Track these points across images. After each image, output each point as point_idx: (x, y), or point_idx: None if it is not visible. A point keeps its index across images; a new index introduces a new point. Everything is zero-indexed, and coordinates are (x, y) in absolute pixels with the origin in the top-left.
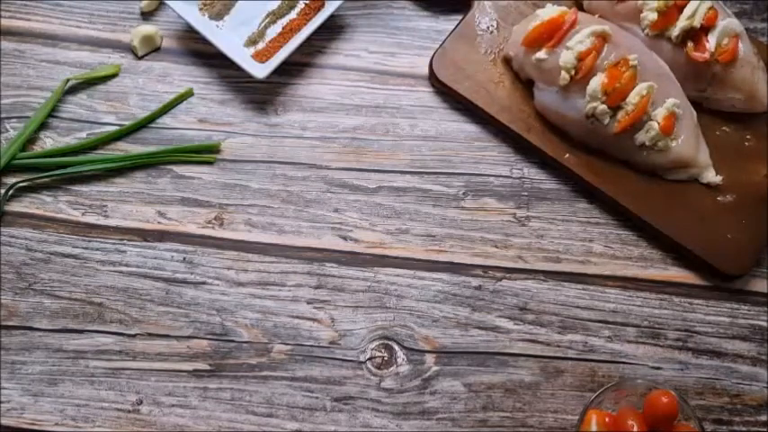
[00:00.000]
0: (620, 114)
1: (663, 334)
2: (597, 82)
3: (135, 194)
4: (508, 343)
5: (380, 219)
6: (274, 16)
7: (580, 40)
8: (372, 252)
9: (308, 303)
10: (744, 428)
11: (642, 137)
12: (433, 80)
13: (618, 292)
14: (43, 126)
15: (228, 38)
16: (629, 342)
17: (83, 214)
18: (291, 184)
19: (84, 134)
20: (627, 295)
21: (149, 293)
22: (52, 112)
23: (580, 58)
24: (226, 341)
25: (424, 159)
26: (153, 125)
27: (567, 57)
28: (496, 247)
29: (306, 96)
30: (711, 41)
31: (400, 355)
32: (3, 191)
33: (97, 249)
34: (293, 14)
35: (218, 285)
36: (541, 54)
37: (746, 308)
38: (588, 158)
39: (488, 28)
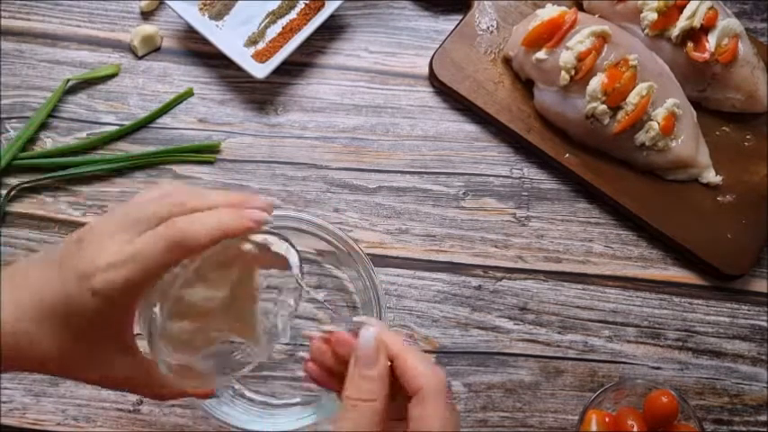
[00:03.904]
0: (620, 114)
1: (663, 334)
2: (597, 82)
3: (135, 194)
4: (508, 343)
5: (380, 219)
6: (274, 16)
7: (580, 40)
8: (372, 252)
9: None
10: (744, 428)
11: (642, 137)
12: (433, 80)
13: (618, 292)
14: (43, 126)
15: (228, 38)
16: (629, 342)
17: (83, 214)
18: (291, 184)
19: (84, 134)
20: (627, 295)
21: None
22: (52, 112)
23: (580, 58)
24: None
25: (424, 159)
26: (153, 125)
27: (566, 57)
28: (496, 247)
29: (306, 96)
30: (711, 41)
31: None
32: (3, 192)
33: None
34: (293, 14)
35: None
36: (541, 54)
37: (746, 308)
38: (588, 158)
39: (488, 28)
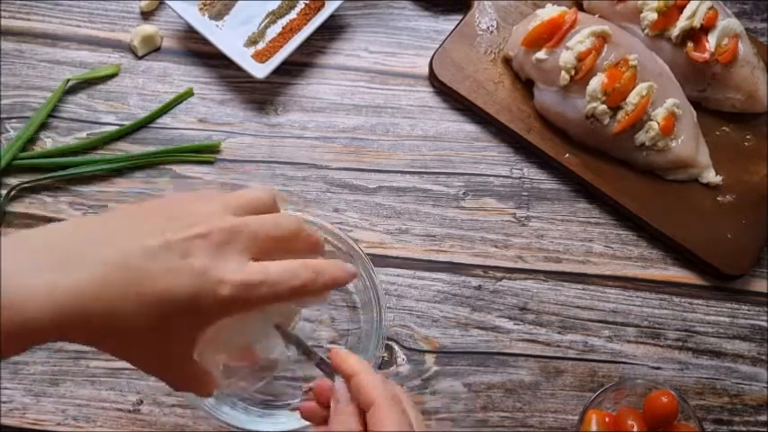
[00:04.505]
0: (620, 114)
1: (663, 334)
2: (597, 82)
3: (135, 194)
4: (508, 343)
5: (380, 219)
6: (274, 16)
7: (580, 40)
8: (372, 252)
9: None
10: (744, 428)
11: (642, 137)
12: (433, 80)
13: (618, 292)
14: (43, 126)
15: (228, 38)
16: (629, 342)
17: (83, 214)
18: (291, 184)
19: (84, 134)
20: (627, 295)
21: None
22: (52, 112)
23: (580, 58)
24: None
25: (424, 159)
26: (153, 125)
27: (566, 57)
28: (496, 247)
29: (306, 96)
30: (711, 41)
31: (400, 355)
32: (4, 192)
33: None
34: (293, 14)
35: None
36: (541, 54)
37: (746, 308)
38: (588, 158)
39: (488, 28)
